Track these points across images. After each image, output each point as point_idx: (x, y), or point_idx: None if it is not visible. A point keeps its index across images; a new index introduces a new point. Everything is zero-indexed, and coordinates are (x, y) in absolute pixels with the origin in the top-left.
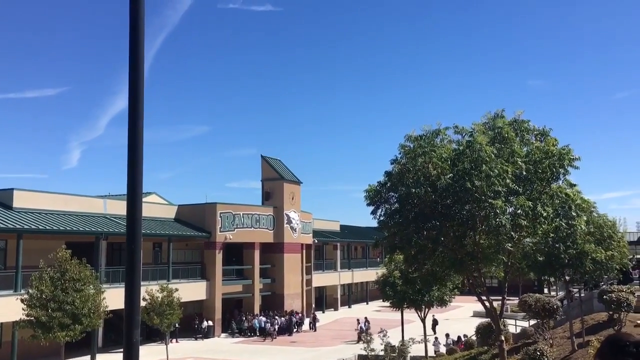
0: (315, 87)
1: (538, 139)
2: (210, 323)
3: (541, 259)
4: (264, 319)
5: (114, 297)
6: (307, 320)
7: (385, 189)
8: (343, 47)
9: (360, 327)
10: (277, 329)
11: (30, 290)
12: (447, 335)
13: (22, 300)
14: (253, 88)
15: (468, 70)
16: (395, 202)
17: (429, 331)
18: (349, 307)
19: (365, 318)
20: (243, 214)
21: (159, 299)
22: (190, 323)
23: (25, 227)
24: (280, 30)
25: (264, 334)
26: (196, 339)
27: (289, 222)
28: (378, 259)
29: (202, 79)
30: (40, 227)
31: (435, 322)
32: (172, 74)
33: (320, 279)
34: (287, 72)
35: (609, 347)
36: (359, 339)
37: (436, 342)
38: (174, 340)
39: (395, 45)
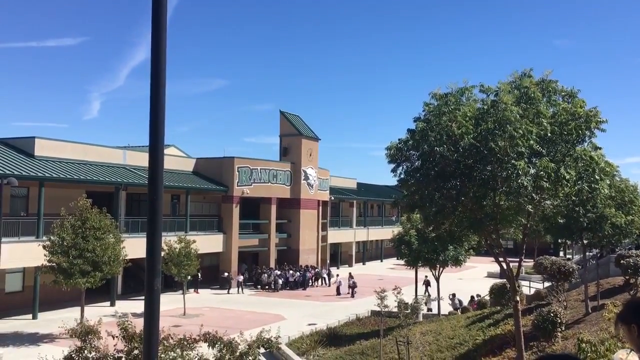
0: (335, 45)
1: (565, 99)
2: (241, 278)
3: (561, 221)
4: (278, 272)
5: (132, 247)
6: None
7: (407, 147)
8: (364, 5)
9: (339, 282)
10: (286, 283)
11: (52, 237)
12: (454, 296)
13: (44, 247)
14: (272, 43)
15: (493, 30)
16: (416, 160)
17: (421, 291)
18: (364, 264)
19: (350, 274)
20: (260, 169)
21: (177, 250)
22: (213, 274)
23: (47, 175)
24: None
25: (276, 287)
26: (228, 292)
27: (306, 178)
28: (394, 218)
29: (221, 32)
30: (62, 175)
31: (427, 283)
32: (192, 28)
33: (336, 235)
34: (306, 28)
35: (632, 310)
36: (338, 293)
37: (429, 301)
38: (192, 290)
39: (417, 8)
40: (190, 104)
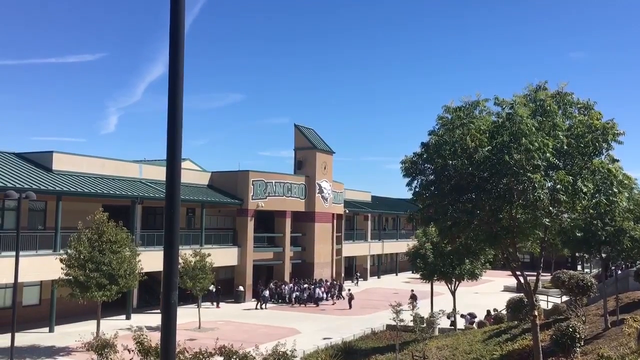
0: (350, 59)
1: (581, 112)
2: (267, 293)
3: (579, 235)
4: (293, 286)
5: (148, 260)
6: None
7: (421, 160)
8: (377, 18)
9: (318, 293)
10: (303, 297)
11: (69, 251)
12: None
13: (61, 260)
14: (288, 57)
15: (508, 42)
16: (431, 174)
17: (406, 306)
18: (378, 277)
19: (332, 282)
20: (275, 182)
21: (192, 263)
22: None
23: (64, 189)
24: None
25: (291, 301)
26: (260, 307)
27: (321, 191)
28: (404, 231)
29: (237, 47)
30: (79, 189)
31: (413, 297)
32: (208, 42)
33: (351, 249)
34: (322, 43)
35: None
36: (317, 304)
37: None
38: (214, 304)
39: (431, 18)
40: (205, 118)
